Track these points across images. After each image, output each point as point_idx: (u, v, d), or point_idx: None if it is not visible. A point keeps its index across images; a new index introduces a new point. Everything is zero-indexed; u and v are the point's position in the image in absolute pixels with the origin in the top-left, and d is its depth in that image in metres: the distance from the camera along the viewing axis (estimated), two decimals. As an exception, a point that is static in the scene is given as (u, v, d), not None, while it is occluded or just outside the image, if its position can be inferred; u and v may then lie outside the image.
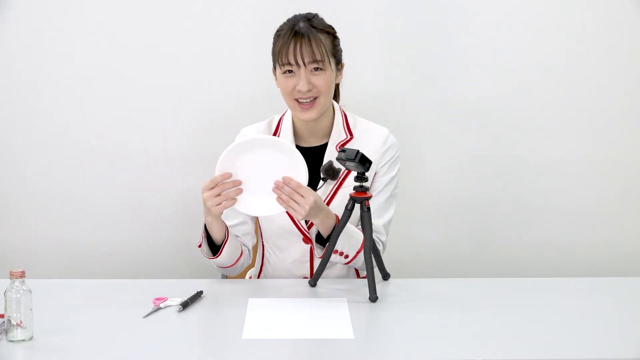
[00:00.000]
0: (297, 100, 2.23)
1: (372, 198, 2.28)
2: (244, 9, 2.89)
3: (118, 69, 2.92)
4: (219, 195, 2.08)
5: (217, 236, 2.20)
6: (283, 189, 2.06)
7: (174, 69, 2.92)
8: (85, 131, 2.95)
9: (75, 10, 2.89)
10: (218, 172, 2.09)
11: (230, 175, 2.08)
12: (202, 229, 2.22)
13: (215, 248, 2.24)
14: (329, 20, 2.29)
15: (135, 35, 2.90)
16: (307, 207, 2.06)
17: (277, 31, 2.25)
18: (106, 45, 2.90)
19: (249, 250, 2.35)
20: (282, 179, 2.06)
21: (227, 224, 2.28)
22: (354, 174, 2.11)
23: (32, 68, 2.91)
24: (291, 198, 2.06)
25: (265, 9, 2.87)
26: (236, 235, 2.31)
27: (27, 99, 2.93)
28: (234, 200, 2.09)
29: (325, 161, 2.28)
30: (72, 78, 2.92)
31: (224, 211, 2.30)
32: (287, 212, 2.13)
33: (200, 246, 2.23)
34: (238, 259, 2.27)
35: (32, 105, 2.93)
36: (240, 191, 2.08)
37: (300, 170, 2.08)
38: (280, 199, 2.07)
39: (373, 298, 2.05)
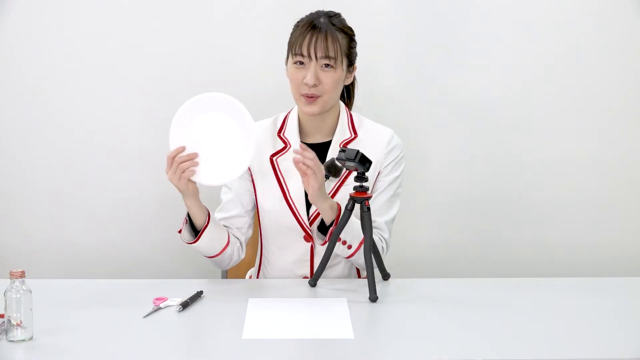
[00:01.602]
0: (302, 94, 2.23)
1: (375, 197, 2.29)
2: (249, 8, 2.89)
3: (118, 69, 2.92)
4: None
5: (198, 222, 2.21)
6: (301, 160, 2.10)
7: (176, 68, 2.92)
8: (85, 131, 2.95)
9: (76, 9, 2.88)
10: (171, 142, 2.13)
11: (183, 149, 2.12)
12: (184, 215, 2.22)
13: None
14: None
15: (136, 35, 2.90)
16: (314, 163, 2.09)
17: (297, 22, 2.27)
18: (107, 44, 2.90)
19: (241, 243, 2.35)
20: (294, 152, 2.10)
21: (222, 215, 2.31)
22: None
23: (32, 68, 2.91)
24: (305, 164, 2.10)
25: (274, 8, 2.86)
26: (229, 227, 2.32)
27: (27, 99, 2.93)
28: (192, 171, 2.12)
29: (328, 158, 2.28)
30: (72, 78, 2.92)
31: (222, 203, 2.32)
32: (290, 208, 2.14)
33: (180, 232, 2.24)
34: (223, 249, 2.26)
35: (32, 105, 2.93)
36: (195, 163, 2.12)
37: (249, 135, 2.11)
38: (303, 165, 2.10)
39: (373, 298, 2.05)
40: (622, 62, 2.95)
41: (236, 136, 2.12)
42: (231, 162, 2.12)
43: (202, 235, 2.21)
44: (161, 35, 2.90)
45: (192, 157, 2.12)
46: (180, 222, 2.22)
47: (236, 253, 2.33)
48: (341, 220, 2.11)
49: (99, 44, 2.90)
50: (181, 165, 2.11)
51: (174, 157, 2.12)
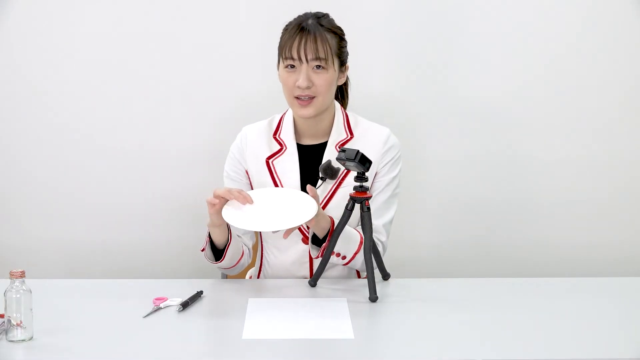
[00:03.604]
0: (296, 97, 2.23)
1: (372, 198, 2.28)
2: (248, 8, 2.89)
3: (119, 69, 2.92)
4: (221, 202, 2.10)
5: (218, 240, 2.21)
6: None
7: (175, 69, 2.92)
8: (85, 131, 2.95)
9: (76, 8, 2.88)
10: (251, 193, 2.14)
11: (252, 202, 2.10)
12: (206, 233, 2.22)
13: (217, 251, 2.24)
14: (332, 21, 2.30)
15: (137, 34, 2.90)
16: None
17: (286, 26, 2.26)
18: (107, 44, 2.90)
19: (249, 249, 2.35)
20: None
21: None
22: (353, 173, 2.11)
23: (32, 67, 2.91)
24: None
25: (270, 8, 2.87)
26: (237, 235, 2.32)
27: (27, 98, 2.93)
28: (220, 205, 2.10)
29: (324, 160, 2.28)
30: (73, 77, 2.92)
31: None
32: None
33: (203, 250, 2.24)
34: (239, 261, 2.28)
35: (32, 105, 2.93)
36: (243, 200, 2.09)
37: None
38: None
39: (373, 298, 2.05)
40: (622, 62, 2.95)
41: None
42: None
43: (225, 256, 2.21)
44: (162, 36, 2.90)
45: (247, 199, 2.08)
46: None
47: (246, 261, 2.34)
48: (334, 235, 2.11)
49: (100, 43, 2.90)
50: (218, 190, 2.10)
51: (236, 193, 2.09)
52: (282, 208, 2.10)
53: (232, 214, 2.09)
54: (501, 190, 3.02)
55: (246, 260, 2.33)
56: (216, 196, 2.10)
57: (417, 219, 3.02)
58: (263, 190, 2.19)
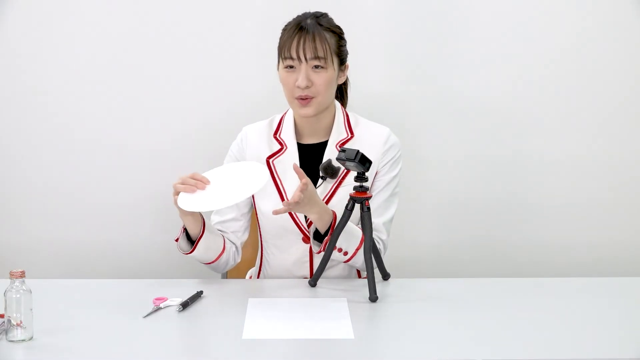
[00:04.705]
0: (296, 97, 2.23)
1: (373, 197, 2.28)
2: (247, 8, 2.89)
3: (119, 69, 2.92)
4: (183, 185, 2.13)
5: (192, 231, 2.21)
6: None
7: (176, 68, 2.92)
8: (85, 131, 2.95)
9: (76, 8, 2.88)
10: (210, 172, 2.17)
11: (208, 182, 2.13)
12: (181, 224, 2.23)
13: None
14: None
15: (136, 34, 2.90)
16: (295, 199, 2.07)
17: (285, 26, 2.27)
18: (107, 44, 2.90)
19: (237, 248, 2.35)
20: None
21: (218, 219, 2.31)
22: (353, 172, 2.11)
23: (32, 67, 2.91)
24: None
25: (269, 8, 2.87)
26: (224, 232, 2.32)
27: (27, 98, 2.93)
28: (176, 193, 2.13)
29: (325, 159, 2.28)
30: (72, 77, 2.92)
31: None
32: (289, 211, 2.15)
33: (177, 240, 2.24)
34: (219, 256, 2.27)
35: (32, 105, 2.93)
36: (192, 189, 2.12)
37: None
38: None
39: (373, 298, 2.05)
40: (622, 62, 2.95)
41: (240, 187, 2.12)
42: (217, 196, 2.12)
43: (197, 246, 2.21)
44: (162, 36, 2.90)
45: (203, 180, 2.12)
46: (181, 222, 2.22)
47: (232, 258, 2.33)
48: (337, 229, 2.11)
49: (99, 44, 2.90)
50: (178, 185, 2.12)
51: (192, 181, 2.12)
52: (233, 183, 2.13)
53: (186, 200, 2.12)
54: (501, 190, 3.02)
55: (231, 258, 2.32)
56: (178, 192, 2.13)
57: (417, 219, 3.02)
58: (215, 170, 2.21)
